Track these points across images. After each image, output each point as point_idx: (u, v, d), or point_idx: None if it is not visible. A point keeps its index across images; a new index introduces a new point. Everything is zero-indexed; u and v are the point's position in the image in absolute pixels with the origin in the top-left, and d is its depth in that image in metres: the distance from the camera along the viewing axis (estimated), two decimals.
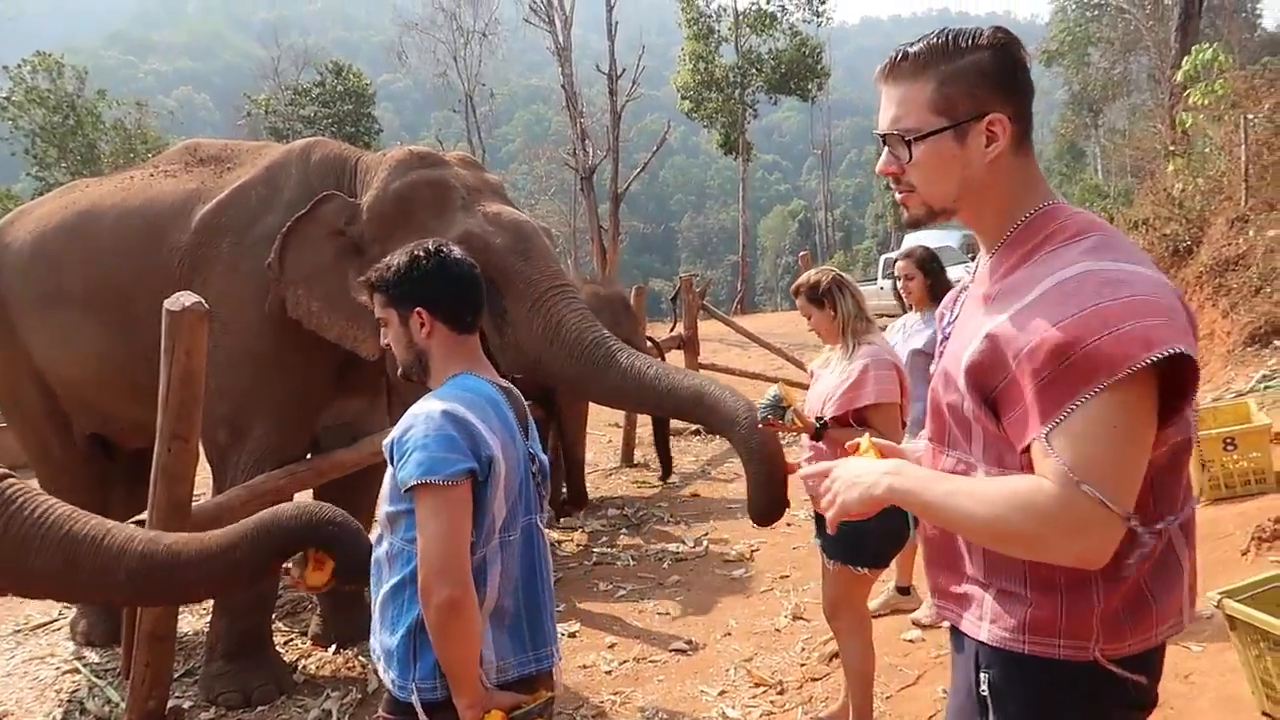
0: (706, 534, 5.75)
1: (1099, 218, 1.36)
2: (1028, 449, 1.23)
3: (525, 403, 1.97)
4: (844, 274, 3.13)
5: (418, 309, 1.83)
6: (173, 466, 3.15)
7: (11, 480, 1.83)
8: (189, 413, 3.14)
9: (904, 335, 4.05)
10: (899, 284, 4.15)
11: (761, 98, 30.86)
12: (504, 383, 1.92)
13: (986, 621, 1.36)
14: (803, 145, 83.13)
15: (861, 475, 1.40)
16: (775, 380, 9.10)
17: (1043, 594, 1.30)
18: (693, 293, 9.22)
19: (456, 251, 1.88)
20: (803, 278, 3.13)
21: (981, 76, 1.30)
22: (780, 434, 2.91)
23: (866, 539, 2.92)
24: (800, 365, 9.41)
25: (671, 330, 9.20)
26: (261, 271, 3.78)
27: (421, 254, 1.85)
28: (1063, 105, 36.97)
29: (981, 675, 1.36)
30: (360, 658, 4.16)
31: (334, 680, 3.96)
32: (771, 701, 3.54)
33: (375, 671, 4.02)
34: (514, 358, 3.62)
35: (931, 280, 4.05)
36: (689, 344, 8.89)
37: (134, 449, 4.47)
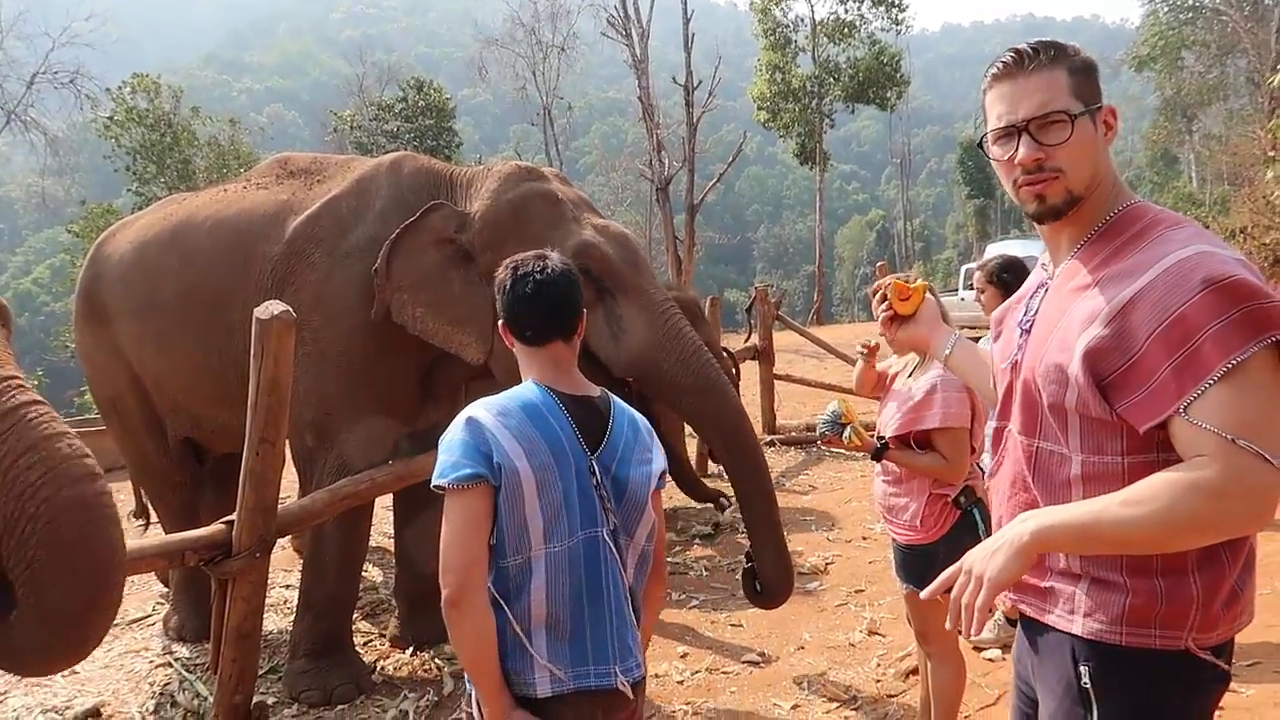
0: None
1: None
2: (1156, 430, 1.25)
3: (609, 414, 1.91)
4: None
5: (498, 321, 1.91)
6: (260, 469, 3.25)
7: (91, 461, 1.82)
8: (276, 417, 3.25)
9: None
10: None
11: (839, 107, 30.60)
12: (582, 392, 1.91)
13: (1080, 615, 1.36)
14: (881, 154, 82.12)
15: (995, 542, 1.33)
16: (850, 393, 8.94)
17: (1142, 580, 1.30)
18: (768, 303, 9.18)
19: (537, 265, 1.88)
20: (883, 282, 3.05)
21: (1092, 72, 1.43)
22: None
23: (934, 562, 2.86)
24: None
25: (746, 341, 9.16)
26: (352, 281, 3.89)
27: (502, 272, 1.91)
28: (1154, 111, 35.79)
29: (1081, 669, 1.36)
30: (436, 660, 4.23)
31: (411, 681, 4.04)
32: (845, 717, 3.49)
33: (450, 674, 4.10)
34: (627, 362, 3.68)
35: (1004, 291, 3.94)
36: (764, 354, 8.85)
37: (222, 453, 4.63)
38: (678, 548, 5.83)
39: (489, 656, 1.73)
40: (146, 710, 3.91)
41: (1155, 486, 1.21)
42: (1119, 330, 1.26)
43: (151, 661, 4.40)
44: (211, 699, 3.73)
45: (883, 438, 2.95)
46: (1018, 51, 1.42)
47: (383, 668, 4.24)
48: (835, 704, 3.60)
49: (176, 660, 4.37)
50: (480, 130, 74.88)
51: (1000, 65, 1.44)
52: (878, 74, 29.20)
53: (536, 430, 1.77)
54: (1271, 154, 10.84)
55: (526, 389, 1.85)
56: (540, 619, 1.76)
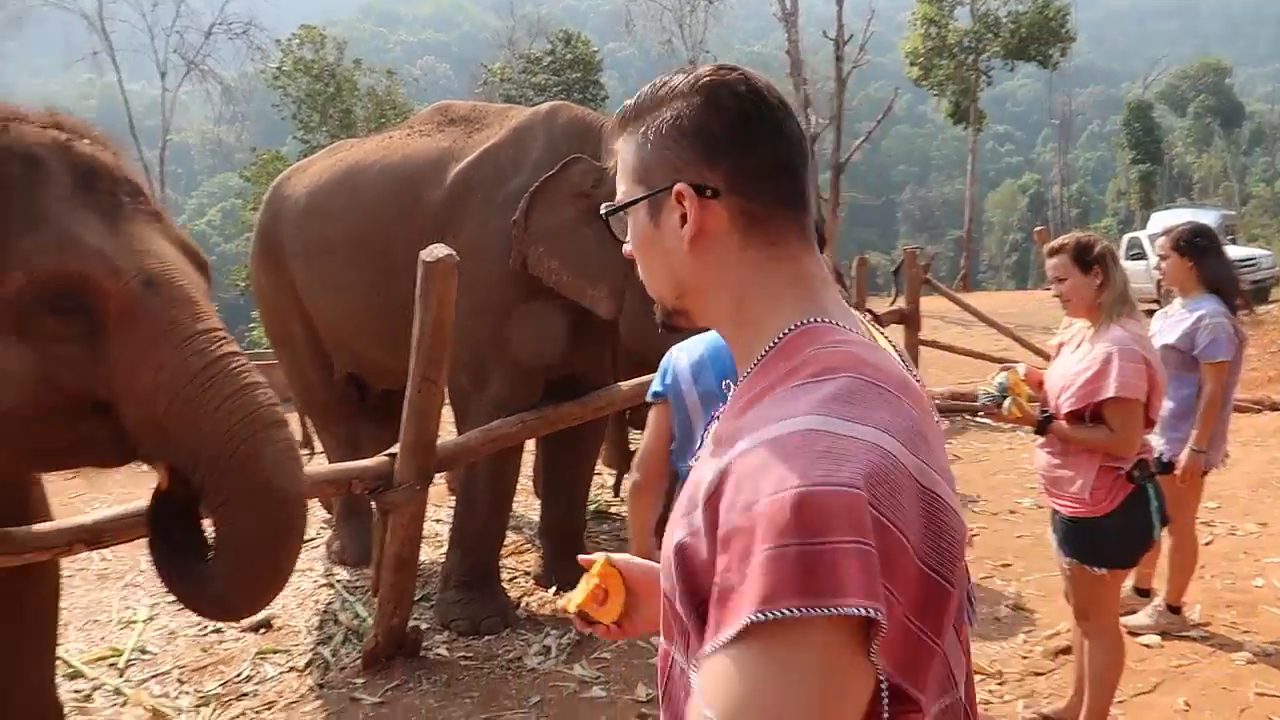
0: None
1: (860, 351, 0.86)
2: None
3: None
4: None
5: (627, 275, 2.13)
6: (422, 405, 3.40)
7: (281, 413, 1.98)
8: (437, 357, 3.38)
9: (1161, 326, 3.70)
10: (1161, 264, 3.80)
11: (997, 64, 29.12)
12: None
13: None
14: (1037, 115, 77.87)
15: None
16: (1000, 361, 8.63)
17: None
18: (916, 266, 8.90)
19: None
20: (1067, 237, 2.89)
21: (674, 137, 0.93)
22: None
23: (1103, 537, 2.74)
24: (1030, 346, 8.90)
25: (892, 304, 8.95)
26: (507, 229, 3.98)
27: None
28: None
29: None
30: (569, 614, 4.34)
31: (553, 619, 4.17)
32: (990, 691, 3.41)
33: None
34: None
35: (1197, 259, 3.67)
36: (910, 319, 8.60)
37: (382, 389, 4.85)
38: None
39: (642, 531, 2.30)
40: (311, 625, 4.18)
41: None
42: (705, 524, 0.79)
43: (315, 581, 4.70)
44: (370, 619, 3.97)
45: (1046, 410, 2.83)
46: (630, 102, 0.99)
47: (527, 604, 4.39)
48: (980, 677, 3.52)
49: (338, 582, 4.65)
50: (625, 84, 74.87)
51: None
52: (1041, 29, 27.58)
53: (712, 365, 2.15)
54: None
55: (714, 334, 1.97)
56: None
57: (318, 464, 5.00)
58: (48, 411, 1.93)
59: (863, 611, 0.66)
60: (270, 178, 21.68)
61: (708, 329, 1.00)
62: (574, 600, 1.22)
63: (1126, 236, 18.25)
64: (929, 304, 10.36)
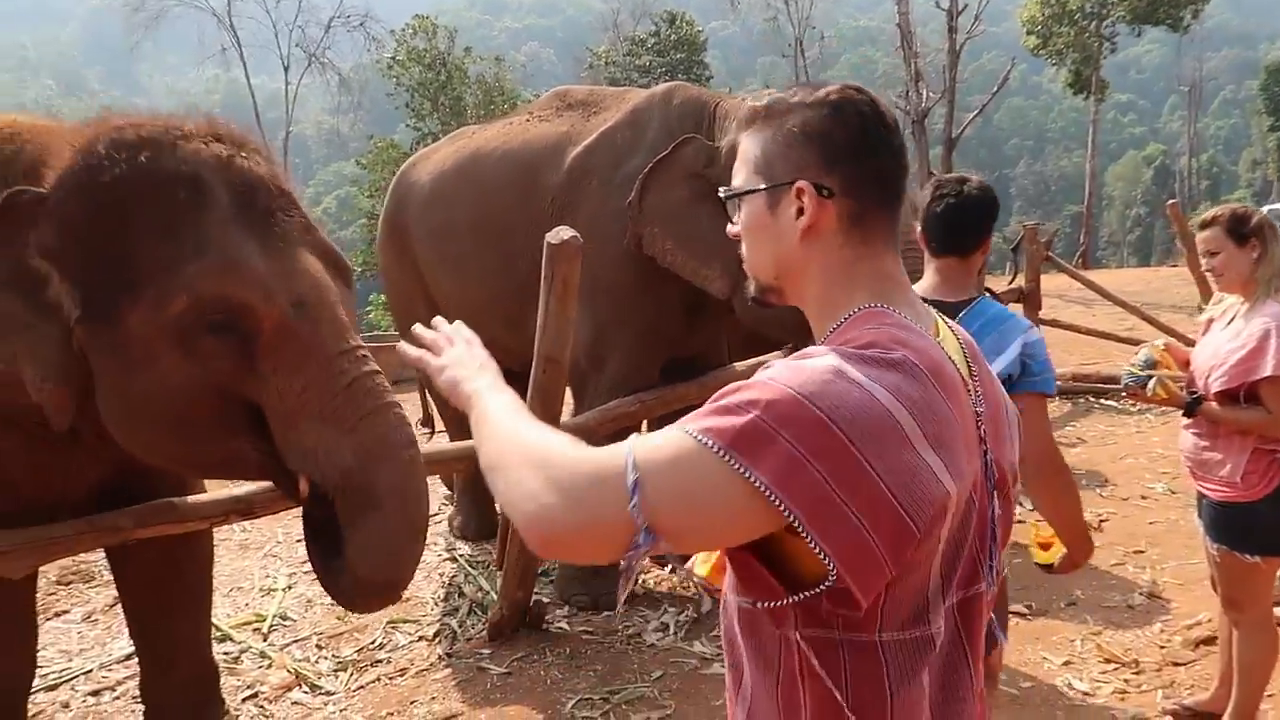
0: None
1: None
2: None
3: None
4: None
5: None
6: (546, 385, 3.47)
7: (409, 428, 2.11)
8: (562, 338, 3.44)
9: None
10: None
11: (1122, 29, 27.69)
12: (951, 298, 2.29)
13: None
14: (1164, 82, 73.98)
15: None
16: (1126, 341, 8.25)
17: None
18: (1037, 243, 8.55)
19: (953, 188, 2.28)
20: (1221, 208, 2.75)
21: (798, 139, 1.09)
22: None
23: (1256, 522, 2.61)
24: (1159, 325, 8.49)
25: (1010, 282, 8.62)
26: (622, 211, 4.01)
27: (925, 187, 2.37)
28: None
29: None
30: (694, 579, 4.38)
31: (670, 597, 4.22)
32: (1125, 680, 3.30)
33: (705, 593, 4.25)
34: None
35: None
36: (1029, 298, 8.29)
37: (501, 370, 4.96)
38: None
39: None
40: (438, 597, 4.34)
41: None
42: None
43: (439, 555, 4.87)
44: (493, 592, 4.10)
45: (1194, 391, 2.70)
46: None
47: (644, 581, 4.45)
48: (1113, 665, 3.41)
49: (460, 556, 4.80)
50: (727, 63, 74.30)
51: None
52: None
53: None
54: None
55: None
56: None
57: (440, 441, 5.15)
58: (201, 426, 2.08)
59: (757, 484, 0.87)
60: (385, 165, 22.59)
61: (793, 305, 1.16)
62: (697, 568, 1.42)
63: (1265, 209, 17.21)
64: (1047, 282, 9.98)
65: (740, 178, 1.14)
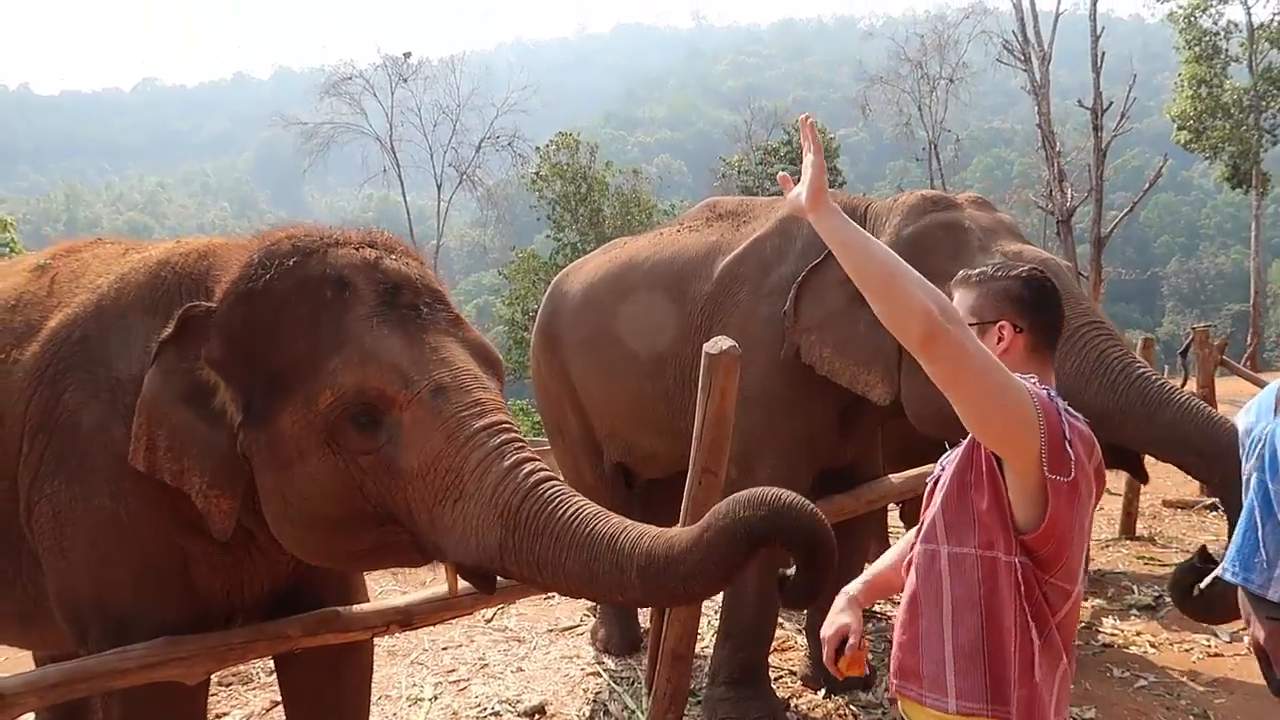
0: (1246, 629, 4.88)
1: None
2: None
3: None
4: None
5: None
6: (701, 497, 3.37)
7: (554, 481, 2.05)
8: (719, 449, 3.35)
9: None
10: None
11: None
12: None
13: None
14: None
15: None
16: None
17: None
18: (1209, 345, 8.05)
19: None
20: None
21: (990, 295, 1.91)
22: None
23: None
24: None
25: (1183, 386, 8.10)
26: (774, 319, 3.96)
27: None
28: None
29: None
30: (851, 706, 4.13)
31: None
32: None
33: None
34: None
35: None
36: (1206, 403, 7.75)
37: (648, 478, 4.92)
38: (1111, 617, 5.21)
39: None
40: (583, 714, 4.22)
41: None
42: None
43: (583, 669, 4.76)
44: (640, 712, 3.95)
45: None
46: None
47: (796, 705, 4.22)
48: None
49: (605, 671, 4.68)
50: (857, 168, 74.56)
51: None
52: None
53: None
54: None
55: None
56: None
57: None
58: (354, 517, 2.09)
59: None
60: (526, 274, 23.40)
61: None
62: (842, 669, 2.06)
63: None
64: (1220, 386, 9.32)
65: None
